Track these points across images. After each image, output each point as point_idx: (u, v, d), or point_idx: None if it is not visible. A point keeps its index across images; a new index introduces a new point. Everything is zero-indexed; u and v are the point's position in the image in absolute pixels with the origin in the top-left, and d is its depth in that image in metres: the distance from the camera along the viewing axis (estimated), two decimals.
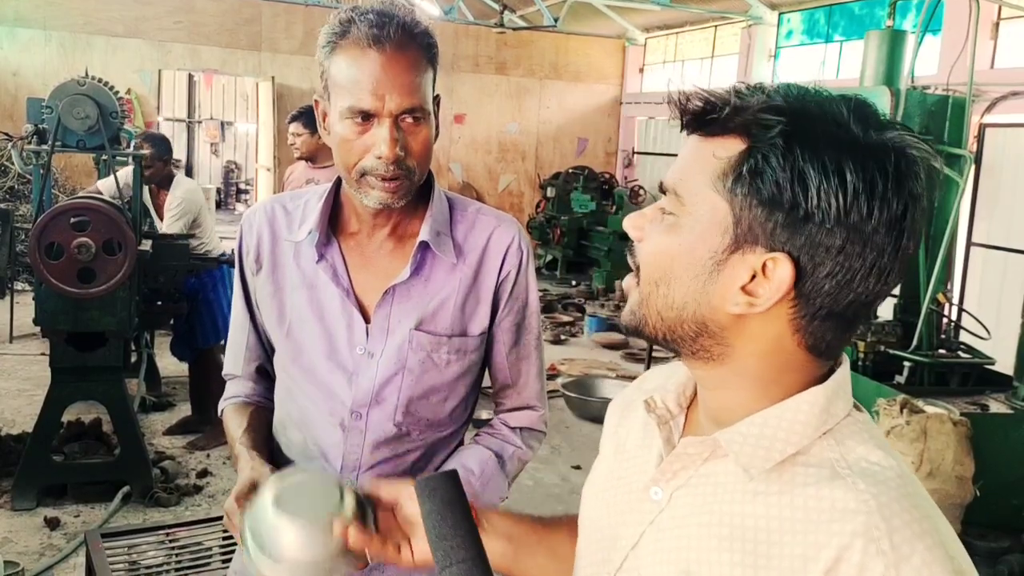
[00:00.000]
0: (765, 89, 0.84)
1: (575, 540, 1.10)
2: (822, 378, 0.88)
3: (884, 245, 0.82)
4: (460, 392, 1.58)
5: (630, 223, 0.92)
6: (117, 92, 4.70)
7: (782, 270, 0.81)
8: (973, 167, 6.37)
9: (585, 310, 10.30)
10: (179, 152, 14.29)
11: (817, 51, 10.84)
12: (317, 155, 5.08)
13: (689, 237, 0.85)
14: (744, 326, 0.86)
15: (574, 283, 12.31)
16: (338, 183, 1.53)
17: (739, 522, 0.85)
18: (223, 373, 1.70)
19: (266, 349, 1.64)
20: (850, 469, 0.83)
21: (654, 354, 6.22)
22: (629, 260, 0.93)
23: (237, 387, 1.67)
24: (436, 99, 1.46)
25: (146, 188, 5.28)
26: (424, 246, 1.49)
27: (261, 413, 1.63)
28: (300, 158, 5.22)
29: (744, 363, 0.87)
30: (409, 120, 1.39)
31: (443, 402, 1.55)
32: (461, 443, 1.64)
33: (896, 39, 5.58)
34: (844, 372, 0.90)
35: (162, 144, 5.41)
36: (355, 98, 1.36)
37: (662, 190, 0.89)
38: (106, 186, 5.02)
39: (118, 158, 4.89)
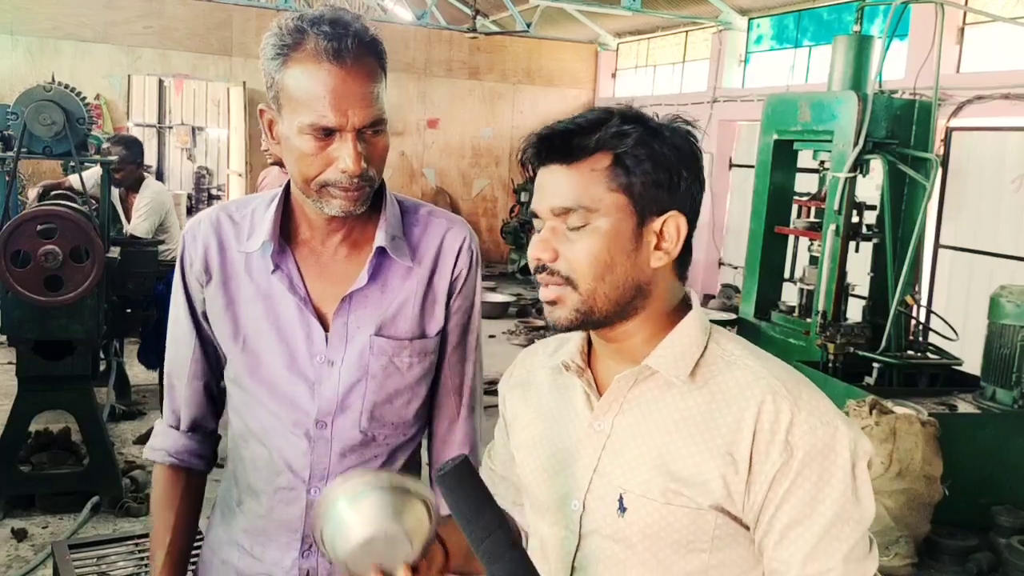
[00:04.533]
0: (597, 114, 1.14)
1: None
2: (684, 300, 1.22)
3: (703, 181, 1.19)
4: (422, 394, 1.58)
5: (539, 249, 1.15)
6: (84, 98, 4.65)
7: (679, 222, 1.15)
8: (940, 170, 6.47)
9: None
10: (150, 158, 14.15)
11: (786, 56, 10.93)
12: None
13: (611, 231, 1.12)
14: (656, 275, 1.17)
15: None
16: (287, 190, 1.51)
17: (680, 415, 1.15)
18: (163, 405, 1.66)
19: (211, 365, 1.60)
20: (735, 357, 1.17)
21: None
22: (544, 278, 1.15)
23: (168, 439, 1.62)
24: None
25: (116, 191, 5.24)
26: (380, 251, 1.48)
27: (189, 503, 1.62)
28: (275, 163, 5.19)
29: (655, 305, 1.18)
30: (370, 132, 1.38)
31: (407, 405, 1.55)
32: (420, 444, 1.64)
33: (863, 44, 5.64)
34: (695, 297, 1.24)
35: (134, 146, 5.38)
36: (316, 114, 1.34)
37: (555, 214, 1.14)
38: (76, 180, 5.00)
39: (85, 164, 4.83)
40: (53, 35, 11.90)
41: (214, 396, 1.63)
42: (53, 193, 5.05)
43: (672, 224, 1.14)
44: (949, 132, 8.09)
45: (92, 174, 5.00)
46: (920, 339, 5.59)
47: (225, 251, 1.52)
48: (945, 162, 7.96)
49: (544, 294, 1.16)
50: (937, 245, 8.28)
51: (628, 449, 1.17)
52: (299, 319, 1.48)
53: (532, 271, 1.18)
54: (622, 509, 1.16)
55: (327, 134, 1.36)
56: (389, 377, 1.51)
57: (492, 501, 1.09)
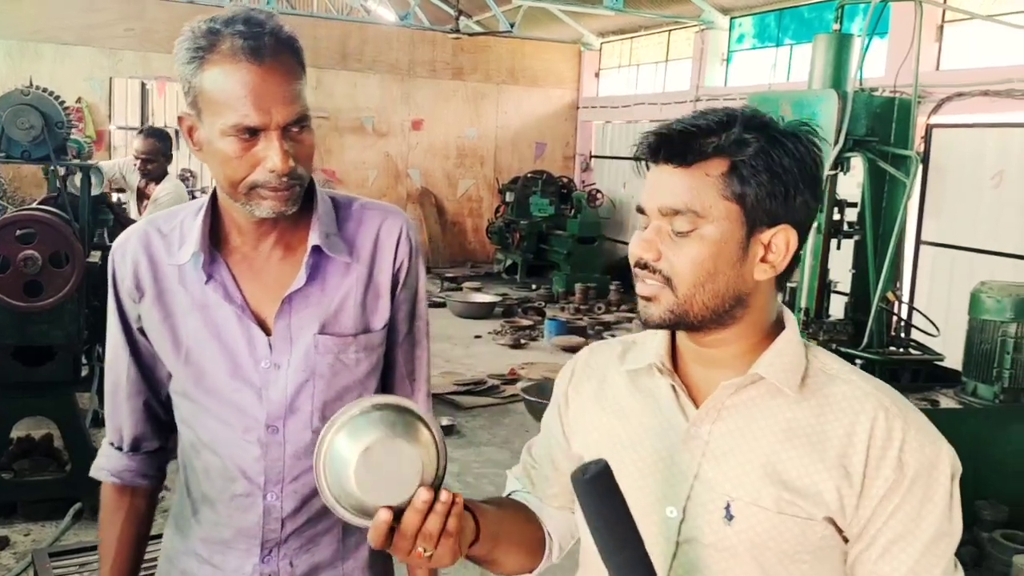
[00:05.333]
0: (719, 116, 1.11)
1: (519, 522, 1.33)
2: (777, 310, 1.21)
3: (819, 195, 1.17)
4: (371, 387, 1.57)
5: (643, 248, 1.13)
6: (63, 101, 4.62)
7: (789, 236, 1.12)
8: (921, 167, 6.50)
9: (545, 314, 10.32)
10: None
11: (768, 54, 10.98)
12: None
13: (718, 240, 1.10)
14: (759, 287, 1.15)
15: (534, 287, 12.33)
16: (214, 197, 1.49)
17: (788, 424, 1.14)
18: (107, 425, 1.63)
19: (150, 382, 1.58)
20: (835, 371, 1.18)
21: None
22: (643, 274, 1.14)
23: (110, 460, 1.61)
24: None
25: (136, 182, 5.41)
26: (316, 250, 1.47)
27: (135, 520, 1.61)
28: None
29: (754, 316, 1.17)
30: (296, 129, 1.36)
31: None
32: None
33: (843, 42, 5.67)
34: (788, 311, 1.23)
35: (166, 140, 5.50)
36: (239, 115, 1.31)
37: (662, 214, 1.12)
38: (106, 168, 5.18)
39: (67, 168, 4.80)
40: (33, 38, 11.82)
41: (156, 413, 1.61)
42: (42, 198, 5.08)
43: (782, 238, 1.12)
44: (929, 129, 8.14)
45: (112, 164, 5.15)
46: (902, 335, 5.62)
47: (156, 265, 1.50)
48: (925, 159, 8.01)
49: (640, 289, 1.15)
50: (918, 242, 8.33)
51: (732, 456, 1.15)
52: (239, 326, 1.46)
53: (632, 265, 1.16)
54: (729, 517, 1.14)
55: (251, 134, 1.33)
56: (337, 375, 1.50)
57: (628, 510, 1.06)
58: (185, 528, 1.58)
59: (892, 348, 5.41)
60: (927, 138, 8.13)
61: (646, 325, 1.17)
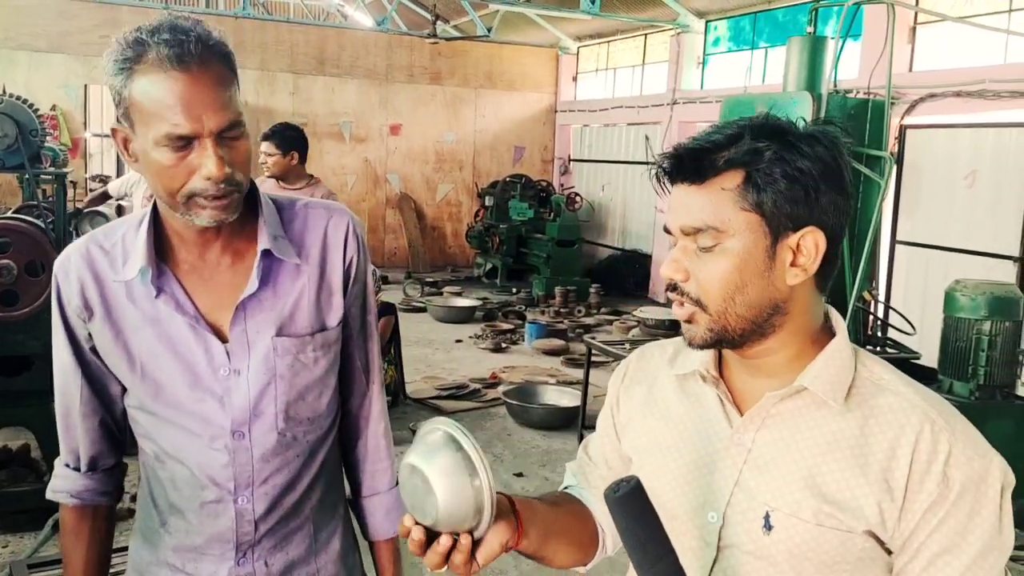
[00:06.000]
0: (732, 129, 1.11)
1: (572, 517, 1.35)
2: (825, 313, 1.20)
3: (848, 192, 1.14)
4: (331, 384, 1.58)
5: (671, 269, 1.14)
6: (37, 109, 4.59)
7: (816, 238, 1.11)
8: (895, 167, 6.57)
9: (525, 317, 10.33)
10: (109, 167, 13.96)
11: (743, 57, 11.06)
12: (288, 175, 5.00)
13: (742, 252, 1.10)
14: (794, 292, 1.13)
15: (514, 291, 12.34)
16: (155, 209, 1.47)
17: (831, 436, 1.13)
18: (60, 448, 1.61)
19: (104, 400, 1.56)
20: (885, 381, 1.15)
21: (593, 359, 6.28)
22: (677, 297, 1.16)
23: (68, 481, 1.59)
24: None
25: (140, 199, 5.47)
26: (266, 254, 1.46)
27: (98, 538, 1.60)
28: (271, 176, 5.14)
29: (796, 322, 1.15)
30: (230, 135, 1.35)
31: (319, 398, 1.55)
32: (334, 439, 1.64)
33: (817, 45, 5.72)
34: (836, 315, 1.21)
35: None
36: (170, 124, 1.30)
37: (685, 233, 1.13)
38: (115, 187, 5.16)
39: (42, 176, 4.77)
40: (6, 45, 11.72)
41: (111, 430, 1.59)
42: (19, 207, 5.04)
43: (810, 240, 1.11)
44: (903, 130, 8.24)
45: (123, 181, 5.15)
46: (878, 334, 5.68)
47: (102, 283, 1.48)
48: (899, 160, 8.10)
49: (677, 312, 1.16)
50: (893, 241, 8.42)
51: (774, 466, 1.15)
52: (194, 337, 1.45)
53: (666, 288, 1.18)
54: (768, 527, 1.14)
55: (184, 143, 1.32)
56: (297, 375, 1.50)
57: (661, 525, 1.06)
58: (154, 539, 1.57)
59: (869, 347, 5.46)
60: (901, 139, 8.23)
61: (691, 346, 1.17)
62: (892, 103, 5.64)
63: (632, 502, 1.05)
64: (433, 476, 1.09)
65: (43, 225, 4.31)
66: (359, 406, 1.67)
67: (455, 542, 1.11)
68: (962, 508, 1.08)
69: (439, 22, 11.99)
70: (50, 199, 5.58)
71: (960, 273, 6.12)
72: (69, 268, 1.49)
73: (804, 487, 1.12)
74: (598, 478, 1.41)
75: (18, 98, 4.49)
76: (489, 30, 12.51)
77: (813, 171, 1.09)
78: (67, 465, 1.60)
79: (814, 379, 1.14)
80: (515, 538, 1.18)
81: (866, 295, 5.38)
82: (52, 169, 4.75)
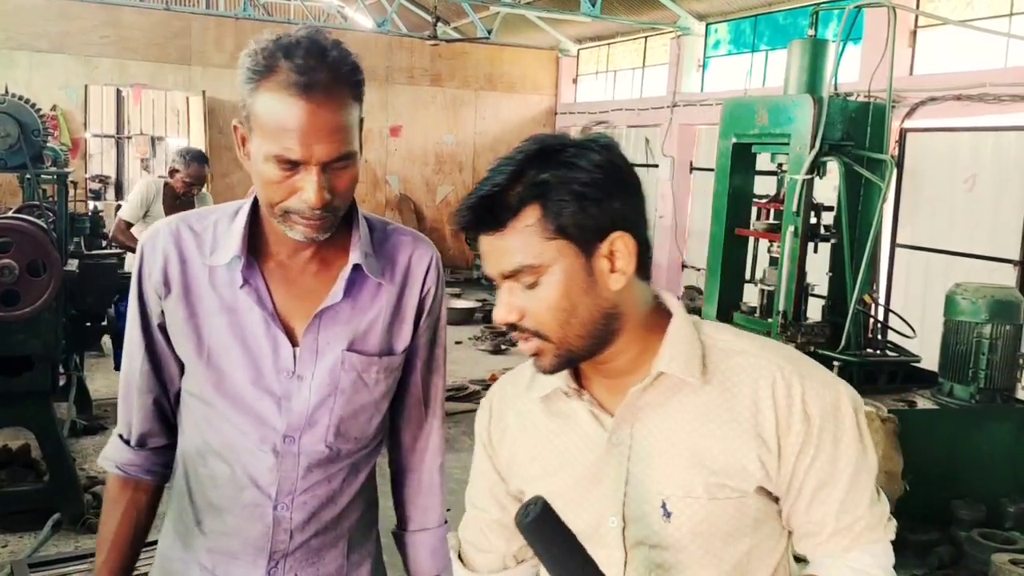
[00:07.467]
0: (511, 166, 1.13)
1: None
2: (655, 299, 1.24)
3: (634, 184, 1.18)
4: (383, 409, 1.58)
5: (504, 313, 1.17)
6: (39, 109, 4.58)
7: (623, 240, 1.14)
8: (895, 171, 6.57)
9: None
10: (109, 168, 13.95)
11: (743, 60, 11.06)
12: None
13: (563, 279, 1.13)
14: (622, 294, 1.16)
15: None
16: (255, 203, 1.49)
17: (700, 410, 1.18)
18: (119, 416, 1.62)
19: (162, 380, 1.57)
20: (728, 343, 1.21)
21: None
22: (519, 335, 1.18)
23: (117, 451, 1.60)
24: (360, 121, 1.43)
25: (161, 209, 5.57)
26: (356, 268, 1.47)
27: (135, 514, 1.59)
28: None
29: (633, 318, 1.19)
30: (337, 165, 1.36)
31: (370, 420, 1.55)
32: (377, 457, 1.64)
33: (818, 48, 5.73)
34: (667, 294, 1.25)
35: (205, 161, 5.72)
36: (281, 146, 1.32)
37: (505, 277, 1.15)
38: (131, 212, 5.43)
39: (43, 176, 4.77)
40: (7, 45, 11.71)
41: (165, 412, 1.60)
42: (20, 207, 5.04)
43: (619, 244, 1.14)
44: (903, 133, 8.24)
45: (139, 199, 5.31)
46: (879, 337, 5.68)
47: (186, 263, 1.49)
48: (900, 163, 8.10)
49: (524, 348, 1.18)
50: (894, 244, 8.42)
51: (657, 454, 1.18)
52: (266, 333, 1.46)
53: (505, 330, 1.20)
54: (667, 514, 1.18)
55: (292, 165, 1.33)
56: (357, 392, 1.50)
57: (575, 537, 1.07)
58: (188, 538, 1.57)
59: (869, 350, 5.47)
60: (901, 142, 8.23)
61: (546, 374, 1.21)
62: (893, 106, 5.65)
63: (544, 523, 1.06)
64: None
65: (45, 225, 4.31)
66: (415, 439, 1.66)
67: None
68: (826, 439, 1.16)
69: (439, 24, 11.99)
70: (51, 199, 5.58)
71: (960, 276, 6.12)
72: (157, 242, 1.50)
73: (690, 466, 1.17)
74: (500, 529, 1.37)
75: (20, 98, 4.49)
76: (489, 32, 12.52)
77: (597, 181, 1.11)
78: (120, 436, 1.61)
79: (669, 362, 1.18)
80: None
81: (866, 298, 5.38)
82: (54, 169, 4.74)
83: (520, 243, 1.12)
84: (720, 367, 1.19)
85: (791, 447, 1.15)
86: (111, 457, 1.60)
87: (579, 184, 1.11)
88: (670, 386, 1.19)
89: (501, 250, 1.14)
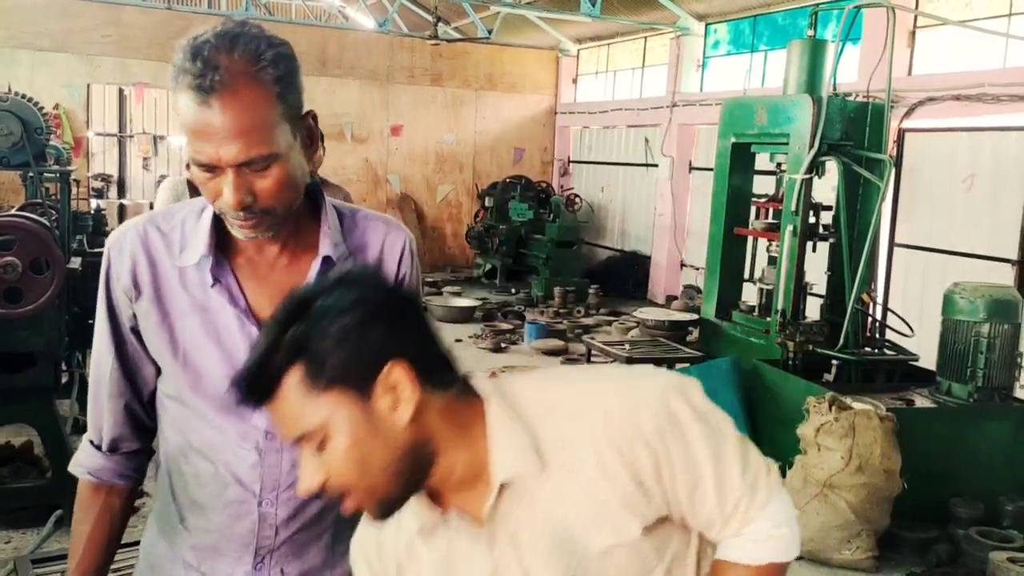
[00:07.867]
0: (272, 332, 1.08)
1: None
2: (463, 394, 1.15)
3: (402, 302, 1.14)
4: None
5: (308, 483, 1.11)
6: (42, 108, 4.61)
7: (397, 370, 1.07)
8: (893, 171, 6.60)
9: (525, 317, 10.35)
10: (111, 167, 13.97)
11: (743, 60, 11.08)
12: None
13: (348, 430, 1.07)
14: (417, 420, 1.09)
15: (513, 291, 12.36)
16: None
17: (550, 495, 1.13)
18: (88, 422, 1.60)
19: (133, 384, 1.54)
20: (544, 405, 1.15)
21: (592, 358, 6.30)
22: (333, 495, 1.12)
23: (90, 458, 1.58)
24: (305, 116, 1.38)
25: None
26: (327, 260, 1.46)
27: (109, 518, 1.58)
28: None
29: (440, 437, 1.12)
30: (255, 167, 1.30)
31: None
32: None
33: (817, 48, 5.75)
34: (473, 374, 1.19)
35: None
36: (194, 149, 1.29)
37: (297, 443, 1.10)
38: (162, 201, 5.25)
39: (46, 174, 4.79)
40: (9, 44, 11.73)
41: (137, 416, 1.57)
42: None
43: (394, 375, 1.07)
44: (902, 133, 8.26)
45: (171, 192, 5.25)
46: (877, 336, 5.71)
47: (155, 264, 1.47)
48: (898, 163, 8.12)
49: (345, 508, 1.14)
50: (892, 244, 8.44)
51: (533, 556, 1.16)
52: (240, 331, 1.44)
53: (317, 492, 1.14)
54: None
55: (210, 168, 1.30)
56: None
57: None
58: (172, 535, 1.56)
59: (867, 349, 5.49)
60: (900, 142, 8.25)
61: (378, 521, 1.16)
62: (891, 106, 5.67)
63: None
64: None
65: (48, 223, 4.34)
66: None
67: None
68: (674, 446, 1.13)
69: (440, 24, 12.01)
70: (53, 197, 5.60)
71: (958, 276, 6.14)
72: (124, 245, 1.48)
73: (572, 553, 1.14)
74: None
75: (23, 96, 4.51)
76: (490, 32, 12.54)
77: (350, 320, 1.06)
78: (91, 442, 1.59)
79: (505, 470, 1.12)
80: None
81: (865, 297, 5.40)
82: (57, 167, 4.76)
83: (293, 409, 1.08)
84: (554, 445, 1.13)
85: (649, 476, 1.13)
86: (82, 463, 1.59)
87: (336, 328, 1.06)
88: (519, 487, 1.14)
89: (280, 419, 1.10)
